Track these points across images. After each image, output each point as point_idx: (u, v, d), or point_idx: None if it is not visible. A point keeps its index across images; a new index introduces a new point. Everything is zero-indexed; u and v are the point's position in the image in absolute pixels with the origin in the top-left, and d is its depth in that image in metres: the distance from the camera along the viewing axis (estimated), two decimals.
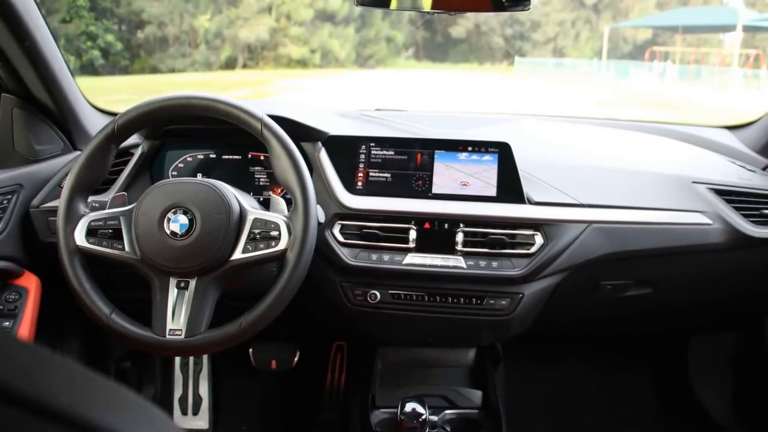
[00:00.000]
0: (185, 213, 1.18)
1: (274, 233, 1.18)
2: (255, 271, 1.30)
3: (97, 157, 1.25)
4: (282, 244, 1.17)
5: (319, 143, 1.50)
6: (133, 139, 1.49)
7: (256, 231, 1.19)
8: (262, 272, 1.33)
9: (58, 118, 1.61)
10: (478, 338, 1.68)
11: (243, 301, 1.24)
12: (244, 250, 1.18)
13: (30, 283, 1.46)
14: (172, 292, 1.19)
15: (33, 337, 1.45)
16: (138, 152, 1.53)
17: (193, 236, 1.17)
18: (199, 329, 1.18)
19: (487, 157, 1.45)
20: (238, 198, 1.22)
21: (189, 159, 1.57)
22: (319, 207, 1.29)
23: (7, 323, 1.40)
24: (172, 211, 1.18)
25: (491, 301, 1.43)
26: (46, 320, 1.49)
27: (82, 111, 1.67)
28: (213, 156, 1.57)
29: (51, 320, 1.59)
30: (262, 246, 1.18)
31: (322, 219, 1.33)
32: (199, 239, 1.17)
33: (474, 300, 1.43)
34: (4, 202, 1.44)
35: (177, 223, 1.18)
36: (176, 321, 1.18)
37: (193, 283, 1.19)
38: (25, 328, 1.41)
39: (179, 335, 1.18)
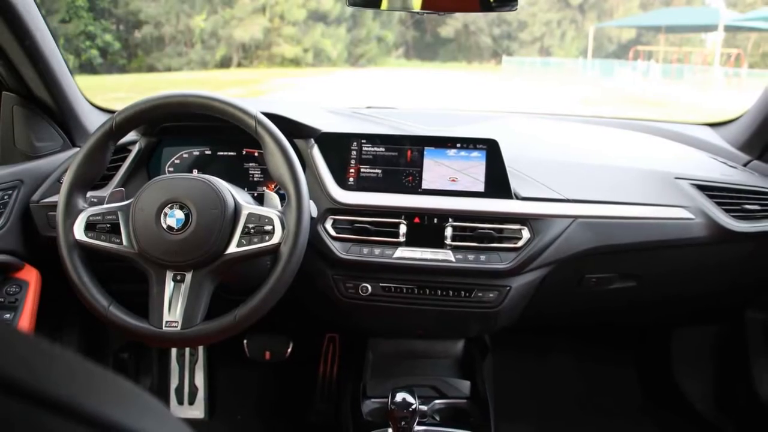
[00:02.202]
0: (181, 208, 1.20)
1: (268, 228, 1.20)
2: (249, 265, 1.31)
3: (95, 154, 1.27)
4: (276, 239, 1.19)
5: (312, 140, 1.51)
6: (131, 136, 1.52)
7: (251, 225, 1.20)
8: (257, 266, 1.34)
9: (58, 115, 1.62)
10: (467, 330, 1.70)
11: (238, 294, 1.25)
12: (239, 244, 1.20)
13: (30, 276, 1.48)
14: (169, 285, 1.20)
15: (33, 329, 1.47)
16: (135, 149, 1.54)
17: (189, 230, 1.18)
18: (194, 321, 1.20)
19: (475, 153, 1.47)
20: (232, 193, 1.24)
21: (185, 155, 1.59)
22: (311, 202, 1.30)
23: (7, 315, 1.41)
24: (169, 206, 1.20)
25: (479, 294, 1.44)
26: (45, 312, 1.50)
27: (81, 109, 1.69)
28: (208, 152, 1.59)
29: (51, 312, 1.60)
30: (256, 240, 1.20)
31: (314, 214, 1.34)
32: (195, 233, 1.18)
33: (463, 293, 1.45)
34: (5, 197, 1.45)
35: (173, 217, 1.19)
36: (173, 313, 1.20)
37: (189, 276, 1.20)
38: (25, 320, 1.42)
39: (175, 327, 1.19)
